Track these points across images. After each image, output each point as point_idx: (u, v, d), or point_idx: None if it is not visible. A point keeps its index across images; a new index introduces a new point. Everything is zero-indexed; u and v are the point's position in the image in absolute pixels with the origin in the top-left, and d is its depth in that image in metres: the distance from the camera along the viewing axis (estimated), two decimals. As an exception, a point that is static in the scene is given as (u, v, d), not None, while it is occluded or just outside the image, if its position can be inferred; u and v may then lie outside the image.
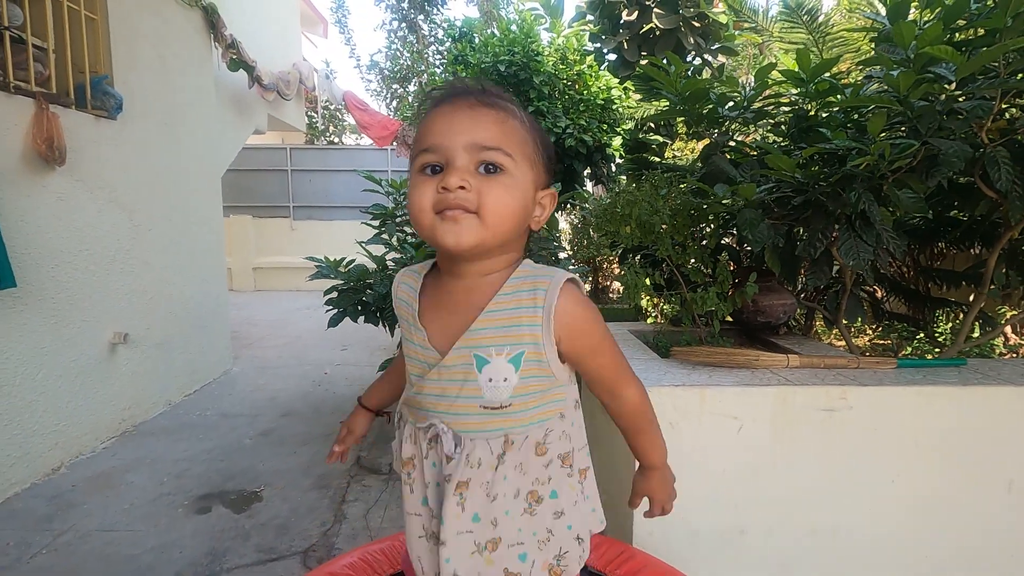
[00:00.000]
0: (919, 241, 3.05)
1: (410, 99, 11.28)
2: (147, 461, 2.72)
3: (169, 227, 3.55)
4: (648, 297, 4.70)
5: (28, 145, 2.48)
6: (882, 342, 4.58)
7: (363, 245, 3.08)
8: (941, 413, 1.72)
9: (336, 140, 14.21)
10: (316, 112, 9.67)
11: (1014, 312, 2.66)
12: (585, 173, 5.42)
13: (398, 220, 3.35)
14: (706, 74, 3.98)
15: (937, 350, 3.54)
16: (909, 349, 4.09)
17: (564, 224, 7.34)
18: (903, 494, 1.75)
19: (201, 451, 2.85)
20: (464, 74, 4.81)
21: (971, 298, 2.97)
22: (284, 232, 9.19)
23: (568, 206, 5.95)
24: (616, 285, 7.48)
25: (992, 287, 2.37)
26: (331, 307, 3.08)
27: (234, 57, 4.40)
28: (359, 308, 3.05)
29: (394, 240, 3.27)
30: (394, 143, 7.66)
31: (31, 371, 2.48)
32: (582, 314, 0.65)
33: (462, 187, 0.60)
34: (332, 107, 12.20)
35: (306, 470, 2.65)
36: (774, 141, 2.59)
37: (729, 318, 2.53)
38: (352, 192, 8.90)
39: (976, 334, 3.57)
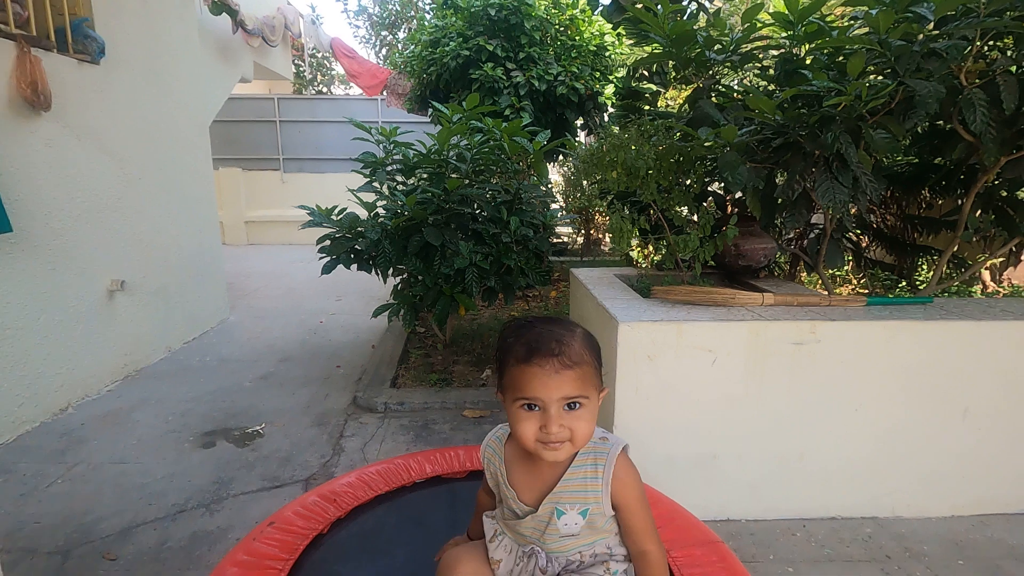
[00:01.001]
0: (902, 188, 3.10)
1: (399, 46, 10.95)
2: (152, 402, 2.83)
3: (159, 176, 3.54)
4: (638, 248, 4.78)
5: (12, 90, 2.45)
6: (864, 292, 4.69)
7: (354, 192, 3.10)
8: (904, 346, 1.82)
9: (324, 90, 13.85)
10: (303, 60, 9.41)
11: (984, 256, 2.73)
12: (578, 124, 5.37)
13: (388, 169, 3.36)
14: (702, 19, 3.91)
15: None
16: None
17: (557, 176, 7.31)
18: (866, 421, 1.88)
19: (203, 393, 2.96)
20: (453, 19, 4.69)
21: (958, 246, 3.04)
22: (275, 185, 9.09)
23: (560, 158, 5.92)
24: (608, 238, 7.53)
25: (966, 231, 2.44)
26: (324, 255, 3.14)
27: (216, 0, 4.27)
28: (352, 256, 3.11)
29: (384, 188, 3.30)
30: (384, 92, 7.51)
31: (32, 315, 2.55)
32: (627, 480, 0.92)
33: (560, 429, 0.85)
34: (319, 55, 11.84)
35: (305, 409, 2.76)
36: (760, 86, 2.60)
37: (712, 263, 2.61)
38: (342, 143, 8.77)
39: (957, 281, 3.67)
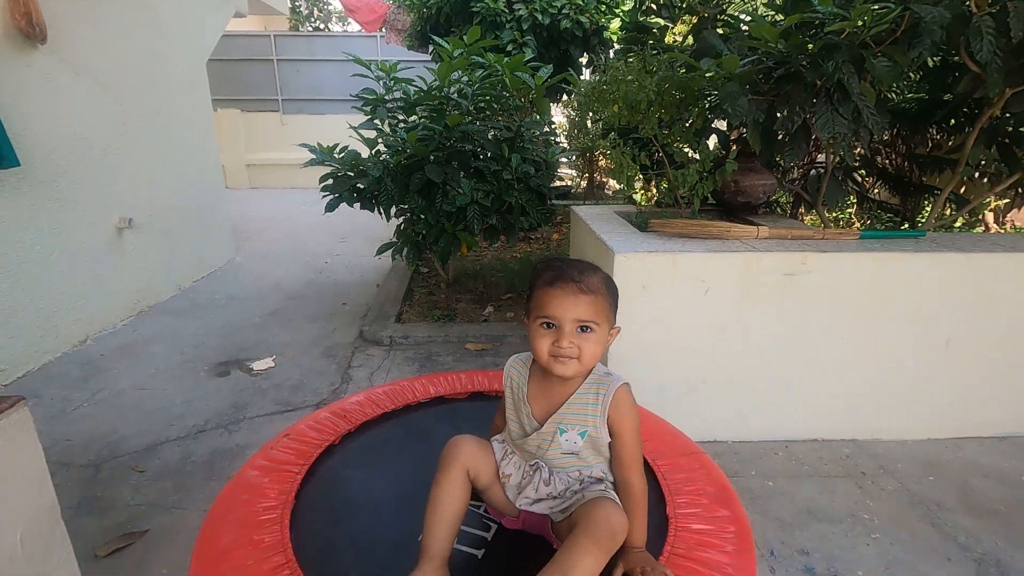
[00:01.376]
0: (909, 126, 3.05)
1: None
2: (166, 335, 2.94)
3: (158, 114, 3.52)
4: (641, 191, 4.74)
5: (7, 22, 2.42)
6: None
7: (356, 129, 3.09)
8: (893, 277, 1.87)
9: (322, 27, 13.38)
10: (298, -6, 9.06)
11: (986, 193, 2.72)
12: (582, 61, 5.22)
13: (388, 106, 3.33)
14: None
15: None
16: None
17: (560, 117, 7.17)
18: (851, 350, 1.95)
19: (215, 327, 3.06)
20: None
21: (965, 187, 3.02)
22: (274, 127, 8.96)
23: (564, 97, 5.79)
24: (612, 183, 7.46)
25: (967, 167, 2.44)
26: (327, 193, 3.16)
27: (206, -74, 4.09)
28: (355, 195, 3.13)
29: (385, 126, 3.27)
30: (383, 28, 7.26)
31: (46, 251, 2.61)
32: (624, 409, 1.03)
33: (570, 345, 0.97)
34: (315, -11, 11.37)
35: (314, 342, 2.87)
36: (768, 16, 2.54)
37: (711, 200, 2.63)
38: (341, 84, 8.56)
39: (959, 223, 3.67)
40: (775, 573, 1.46)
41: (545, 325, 0.99)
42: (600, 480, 1.07)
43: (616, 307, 1.04)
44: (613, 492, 1.06)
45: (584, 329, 0.98)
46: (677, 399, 1.99)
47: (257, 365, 2.60)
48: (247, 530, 1.15)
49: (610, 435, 1.04)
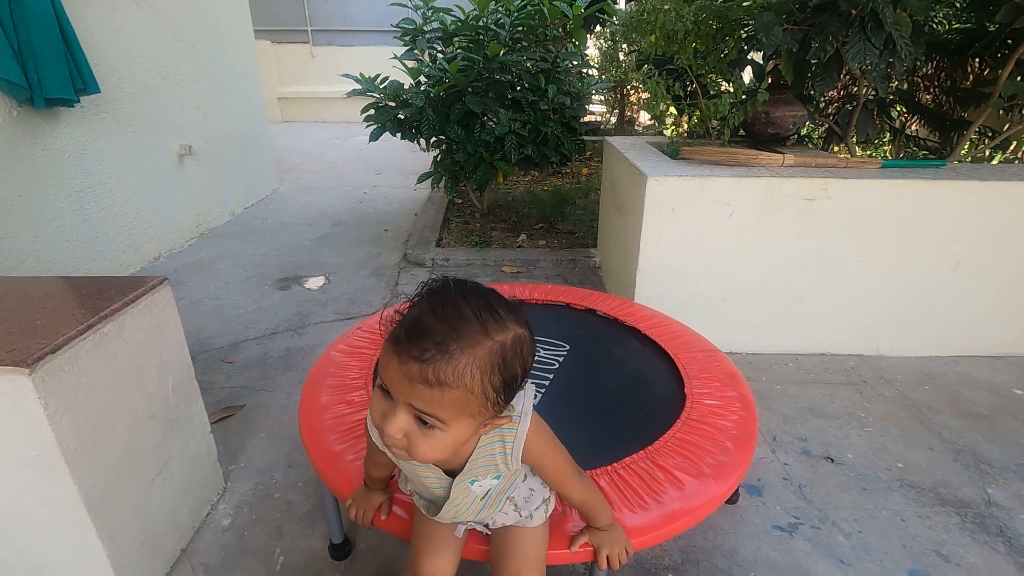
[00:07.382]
0: (950, 59, 3.03)
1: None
2: (229, 255, 3.22)
3: (208, 44, 3.66)
4: (672, 127, 4.77)
5: (73, -49, 2.56)
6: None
7: (400, 59, 3.20)
8: (909, 203, 1.99)
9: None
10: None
11: (1011, 129, 2.74)
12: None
13: (428, 36, 3.41)
14: None
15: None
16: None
17: (593, 50, 7.04)
18: (864, 271, 2.11)
19: (271, 249, 3.33)
20: None
21: (1008, 125, 3.00)
22: (304, 59, 8.97)
23: (598, 28, 5.71)
24: (642, 119, 7.39)
25: (999, 99, 2.47)
26: (370, 123, 3.32)
27: None
28: (397, 125, 3.28)
29: (426, 56, 3.37)
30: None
31: (122, 172, 2.86)
32: (537, 453, 0.85)
33: (395, 433, 0.70)
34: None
35: (362, 264, 3.12)
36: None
37: (742, 131, 2.72)
38: (372, 14, 8.47)
39: (996, 160, 3.66)
40: (776, 453, 1.70)
41: (382, 388, 0.71)
42: (540, 494, 0.97)
43: (502, 394, 0.70)
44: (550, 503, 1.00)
45: (423, 421, 0.69)
46: (699, 313, 2.18)
47: (311, 283, 2.87)
48: (340, 392, 1.42)
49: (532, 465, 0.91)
